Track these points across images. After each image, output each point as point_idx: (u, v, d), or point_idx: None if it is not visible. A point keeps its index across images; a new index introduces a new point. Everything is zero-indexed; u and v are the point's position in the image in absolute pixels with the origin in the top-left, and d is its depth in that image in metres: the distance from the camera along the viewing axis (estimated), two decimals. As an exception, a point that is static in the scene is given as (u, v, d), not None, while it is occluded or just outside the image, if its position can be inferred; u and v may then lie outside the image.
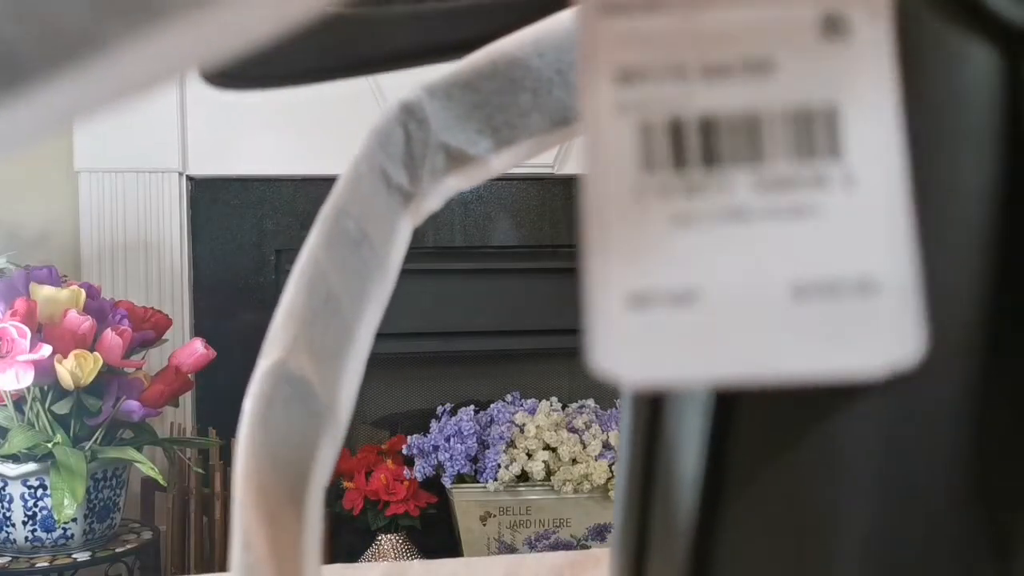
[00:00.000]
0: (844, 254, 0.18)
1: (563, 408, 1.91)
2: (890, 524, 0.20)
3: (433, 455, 1.84)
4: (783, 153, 0.18)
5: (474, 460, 1.82)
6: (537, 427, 1.81)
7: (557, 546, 1.81)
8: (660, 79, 0.18)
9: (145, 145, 1.93)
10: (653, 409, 0.23)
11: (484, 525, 1.84)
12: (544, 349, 2.15)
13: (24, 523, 1.54)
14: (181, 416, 1.94)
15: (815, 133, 0.18)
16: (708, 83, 0.18)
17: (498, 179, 2.08)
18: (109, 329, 1.52)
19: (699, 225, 0.18)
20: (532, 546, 1.82)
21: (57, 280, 1.58)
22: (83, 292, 1.55)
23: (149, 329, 1.63)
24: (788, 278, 0.18)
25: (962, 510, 0.20)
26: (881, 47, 0.18)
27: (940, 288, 0.20)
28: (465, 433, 1.82)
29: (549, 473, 1.80)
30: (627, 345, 0.18)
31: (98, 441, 1.54)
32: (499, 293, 2.10)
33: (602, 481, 1.77)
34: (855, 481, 0.20)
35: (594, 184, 0.19)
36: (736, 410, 0.21)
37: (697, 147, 0.18)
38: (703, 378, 0.18)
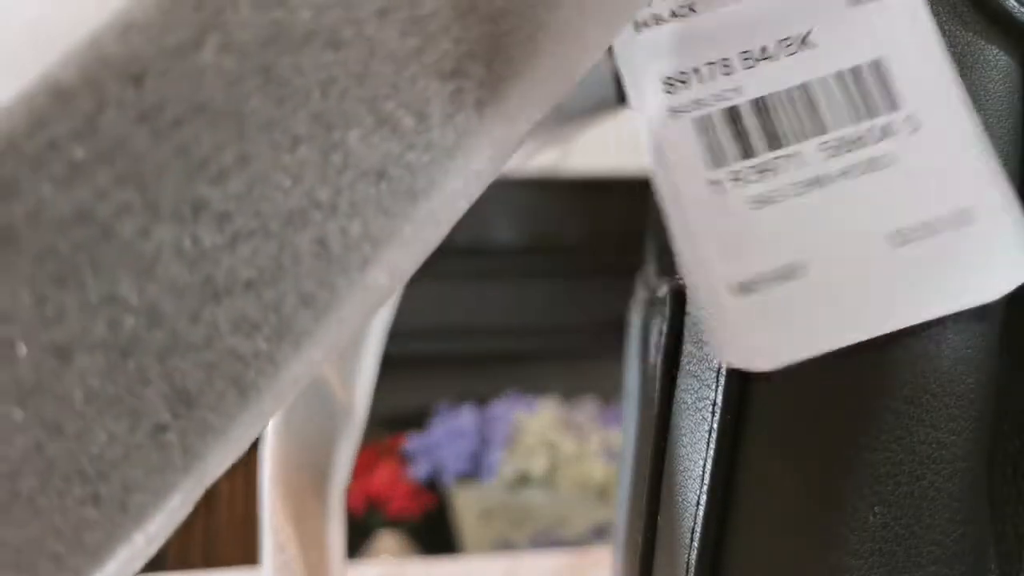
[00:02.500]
0: (930, 192, 0.18)
1: (563, 407, 1.91)
2: (902, 524, 0.20)
3: (433, 454, 1.84)
4: (844, 116, 0.19)
5: (474, 459, 1.82)
6: (538, 426, 1.81)
7: (557, 546, 1.81)
8: (705, 76, 0.19)
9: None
10: (662, 407, 0.22)
11: (484, 525, 1.84)
12: (544, 349, 2.15)
13: (24, 522, 1.54)
14: (181, 415, 1.94)
15: (868, 90, 0.19)
16: (752, 70, 0.19)
17: (498, 179, 2.08)
18: (109, 328, 1.52)
19: (781, 202, 0.18)
20: (532, 546, 1.82)
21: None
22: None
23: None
24: (884, 228, 0.18)
25: (972, 514, 0.20)
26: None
27: None
28: (465, 431, 1.82)
29: (549, 473, 1.79)
30: (749, 332, 0.18)
31: (98, 440, 1.54)
32: (499, 293, 2.10)
33: (602, 481, 1.77)
34: (867, 480, 0.20)
35: (670, 189, 0.19)
36: (748, 408, 0.21)
37: (758, 131, 0.19)
38: (829, 346, 0.18)
